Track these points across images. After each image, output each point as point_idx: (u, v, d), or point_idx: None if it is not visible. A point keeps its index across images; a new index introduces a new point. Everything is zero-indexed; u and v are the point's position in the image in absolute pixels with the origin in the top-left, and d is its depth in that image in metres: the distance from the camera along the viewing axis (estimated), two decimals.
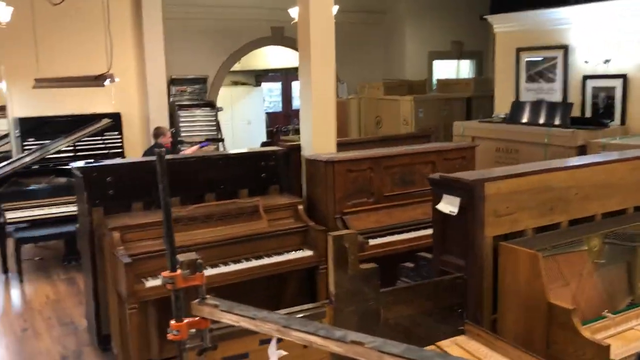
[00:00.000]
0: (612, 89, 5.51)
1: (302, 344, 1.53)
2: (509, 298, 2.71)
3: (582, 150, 5.02)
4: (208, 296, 1.69)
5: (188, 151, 6.57)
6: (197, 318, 1.68)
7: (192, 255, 1.72)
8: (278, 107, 14.70)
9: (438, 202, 2.94)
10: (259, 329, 1.56)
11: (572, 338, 2.37)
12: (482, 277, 2.75)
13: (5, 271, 5.78)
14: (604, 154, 3.48)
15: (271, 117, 13.61)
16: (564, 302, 2.47)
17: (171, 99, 8.38)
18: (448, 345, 2.51)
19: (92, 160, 4.26)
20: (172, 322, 1.64)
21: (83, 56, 6.98)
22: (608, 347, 2.26)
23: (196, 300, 1.67)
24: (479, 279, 2.75)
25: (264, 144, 9.36)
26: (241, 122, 11.67)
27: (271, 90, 14.47)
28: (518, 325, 2.67)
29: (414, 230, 4.40)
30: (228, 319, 1.62)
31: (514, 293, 2.67)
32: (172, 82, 8.45)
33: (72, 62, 6.90)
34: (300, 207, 4.28)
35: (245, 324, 1.59)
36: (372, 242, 4.23)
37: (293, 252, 4.07)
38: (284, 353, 1.68)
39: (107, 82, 5.68)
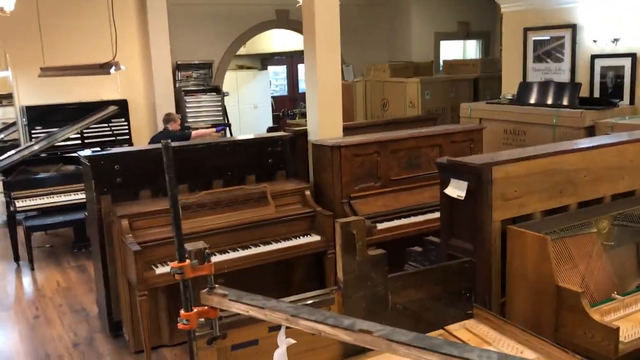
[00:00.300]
0: (621, 68, 5.45)
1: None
2: (517, 281, 2.71)
3: (590, 131, 4.97)
4: (217, 285, 1.70)
5: (201, 132, 6.58)
6: (206, 307, 1.69)
7: (200, 245, 1.73)
8: (284, 91, 14.65)
9: (445, 186, 2.93)
10: (267, 318, 1.56)
11: (581, 321, 2.37)
12: (491, 261, 2.75)
13: (17, 259, 5.83)
14: (613, 135, 3.45)
15: (277, 101, 13.57)
16: (573, 285, 2.47)
17: (177, 85, 8.37)
18: (457, 329, 2.52)
19: (99, 149, 4.27)
20: (182, 311, 1.65)
21: (88, 44, 6.97)
22: (617, 329, 2.27)
23: (205, 290, 1.68)
24: (487, 263, 2.75)
25: (270, 129, 9.36)
26: (247, 106, 11.65)
27: (277, 74, 14.41)
28: (526, 308, 2.67)
29: (422, 213, 4.40)
30: (237, 308, 1.63)
31: (522, 276, 2.67)
32: (177, 67, 8.43)
33: (77, 50, 6.89)
34: (308, 192, 4.28)
35: (254, 313, 1.60)
36: (379, 226, 4.24)
37: (301, 237, 4.08)
38: (292, 341, 1.69)
39: (112, 70, 5.67)
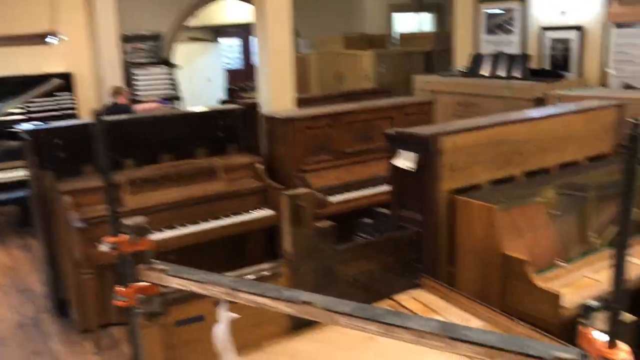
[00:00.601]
0: (569, 40, 5.53)
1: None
2: (465, 251, 2.74)
3: (540, 102, 5.04)
4: (156, 261, 1.64)
5: (144, 106, 6.38)
6: (145, 283, 1.63)
7: (138, 219, 1.66)
8: (238, 64, 14.39)
9: (395, 157, 2.92)
10: (208, 293, 1.52)
11: (526, 288, 2.41)
12: (439, 231, 2.77)
13: None
14: (560, 106, 3.50)
15: (232, 75, 13.33)
16: (519, 254, 2.51)
17: (125, 57, 8.10)
18: (405, 298, 2.53)
19: (40, 123, 4.09)
20: (116, 288, 1.59)
21: (27, 13, 6.64)
22: (558, 295, 2.31)
23: (143, 265, 1.62)
24: (436, 233, 2.76)
25: (222, 103, 9.18)
26: (200, 79, 11.40)
27: (231, 47, 14.13)
28: (474, 277, 2.71)
29: (375, 186, 4.40)
30: (177, 283, 1.58)
31: (470, 246, 2.70)
32: (125, 39, 8.15)
33: (15, 20, 6.55)
34: (260, 166, 4.22)
35: (194, 287, 1.55)
36: (333, 199, 4.22)
37: (253, 212, 4.03)
38: (235, 315, 1.65)
39: (52, 40, 5.42)
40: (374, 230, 3.32)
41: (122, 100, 5.89)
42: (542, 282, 2.50)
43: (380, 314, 1.30)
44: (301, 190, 2.33)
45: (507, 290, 2.53)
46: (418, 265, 2.68)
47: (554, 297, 2.31)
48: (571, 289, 2.60)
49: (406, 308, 2.45)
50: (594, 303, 1.07)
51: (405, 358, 2.03)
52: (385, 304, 2.50)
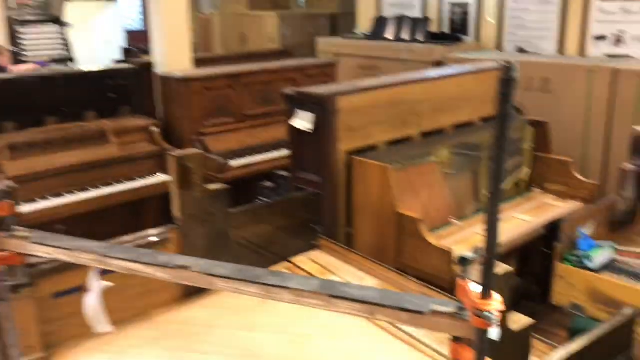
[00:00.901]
0: (467, 5, 5.64)
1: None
2: (362, 212, 2.73)
3: (439, 66, 5.12)
4: (18, 227, 1.49)
5: (20, 67, 5.88)
6: (6, 253, 1.48)
7: None
8: (139, 25, 13.70)
9: (292, 118, 2.85)
10: (77, 261, 1.40)
11: (420, 245, 2.44)
12: (337, 192, 2.74)
13: None
14: (454, 67, 3.56)
15: (132, 36, 12.67)
16: (414, 212, 2.53)
17: (10, 14, 7.45)
18: (302, 260, 2.50)
19: None
20: None
21: None
22: (449, 251, 2.35)
23: (2, 233, 1.46)
24: (333, 195, 2.74)
25: (116, 63, 8.68)
26: (99, 41, 10.75)
27: (130, 7, 13.41)
28: (371, 237, 2.71)
29: (278, 149, 4.32)
30: (43, 252, 1.44)
31: (366, 206, 2.70)
32: None
33: None
34: (155, 129, 4.01)
35: (61, 256, 1.42)
36: (233, 163, 4.10)
37: (149, 177, 3.85)
38: (108, 284, 1.54)
39: None
40: (274, 194, 3.25)
41: (2, 60, 5.41)
42: (436, 239, 2.55)
43: (258, 275, 1.24)
44: (189, 151, 2.22)
45: (402, 249, 2.55)
46: (316, 227, 2.65)
47: (446, 254, 2.35)
48: (464, 245, 2.67)
49: (303, 269, 2.42)
50: (469, 255, 1.06)
51: (298, 318, 2.00)
52: (281, 267, 2.46)
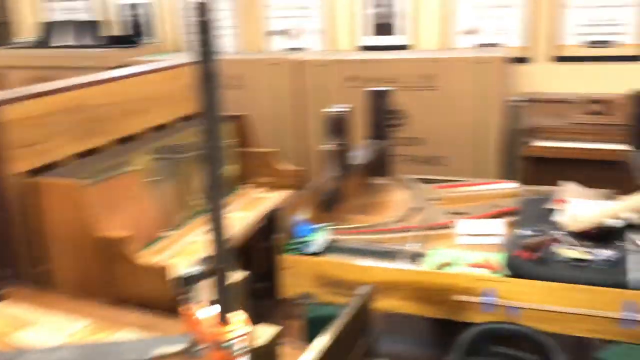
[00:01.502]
0: (137, 6, 5.36)
1: None
2: (57, 242, 2.27)
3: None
4: None
5: None
6: None
7: None
8: None
9: None
10: None
11: (129, 269, 2.10)
12: (15, 226, 2.22)
13: None
14: (137, 66, 3.25)
15: None
16: (117, 232, 2.17)
17: None
18: None
19: None
20: None
21: None
22: (163, 268, 2.06)
23: None
24: (10, 228, 2.21)
25: None
26: None
27: None
28: (74, 271, 2.27)
29: None
30: None
31: (61, 235, 2.25)
32: None
33: None
34: None
35: None
36: None
37: None
38: None
39: None
40: None
41: None
42: (149, 257, 2.24)
43: None
44: None
45: (111, 277, 2.18)
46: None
47: (160, 271, 2.05)
48: (181, 257, 2.42)
49: None
50: (193, 270, 0.81)
51: None
52: None
